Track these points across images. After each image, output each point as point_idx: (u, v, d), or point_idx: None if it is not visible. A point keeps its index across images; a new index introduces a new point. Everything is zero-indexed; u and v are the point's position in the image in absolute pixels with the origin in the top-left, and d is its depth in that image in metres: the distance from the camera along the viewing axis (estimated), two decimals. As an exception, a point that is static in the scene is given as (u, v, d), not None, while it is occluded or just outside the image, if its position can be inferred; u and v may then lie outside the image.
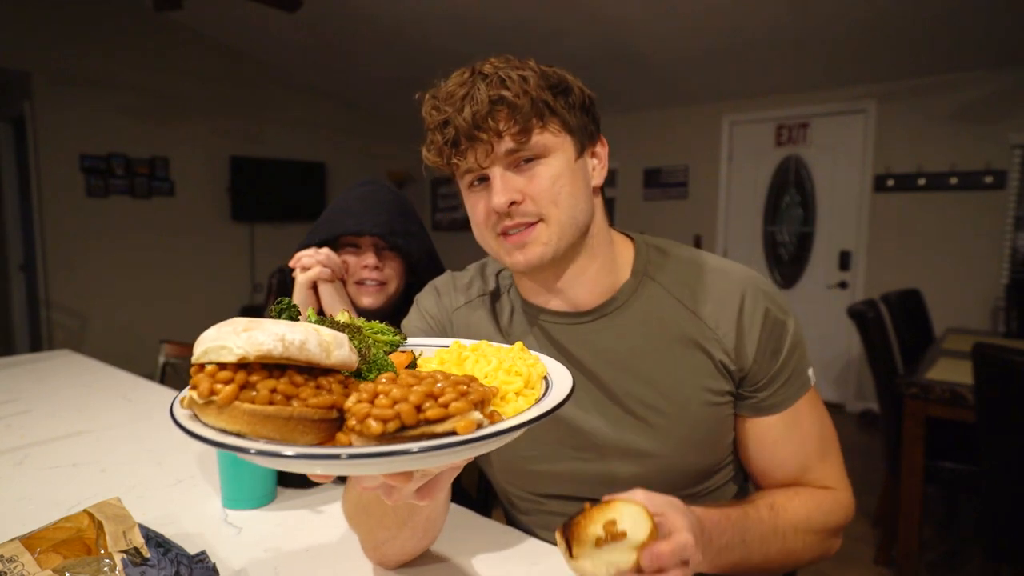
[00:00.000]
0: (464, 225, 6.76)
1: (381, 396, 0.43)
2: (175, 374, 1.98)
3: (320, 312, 1.21)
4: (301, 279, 1.18)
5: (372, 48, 4.93)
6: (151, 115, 4.93)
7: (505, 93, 0.73)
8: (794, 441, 0.82)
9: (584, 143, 0.81)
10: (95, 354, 2.06)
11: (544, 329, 0.86)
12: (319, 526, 0.85)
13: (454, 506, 0.88)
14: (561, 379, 0.54)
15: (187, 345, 1.99)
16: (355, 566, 0.76)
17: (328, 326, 0.61)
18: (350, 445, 0.43)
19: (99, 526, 0.65)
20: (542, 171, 0.76)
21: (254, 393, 0.43)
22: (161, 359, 1.98)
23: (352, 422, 0.43)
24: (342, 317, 0.65)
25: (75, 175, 4.61)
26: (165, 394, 1.52)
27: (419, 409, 0.42)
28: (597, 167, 0.84)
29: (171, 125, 5.06)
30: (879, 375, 2.40)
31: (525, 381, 0.53)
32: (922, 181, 4.18)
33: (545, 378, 0.55)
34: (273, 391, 0.43)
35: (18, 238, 5.02)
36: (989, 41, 3.62)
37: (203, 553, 0.67)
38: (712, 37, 4.03)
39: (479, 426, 0.43)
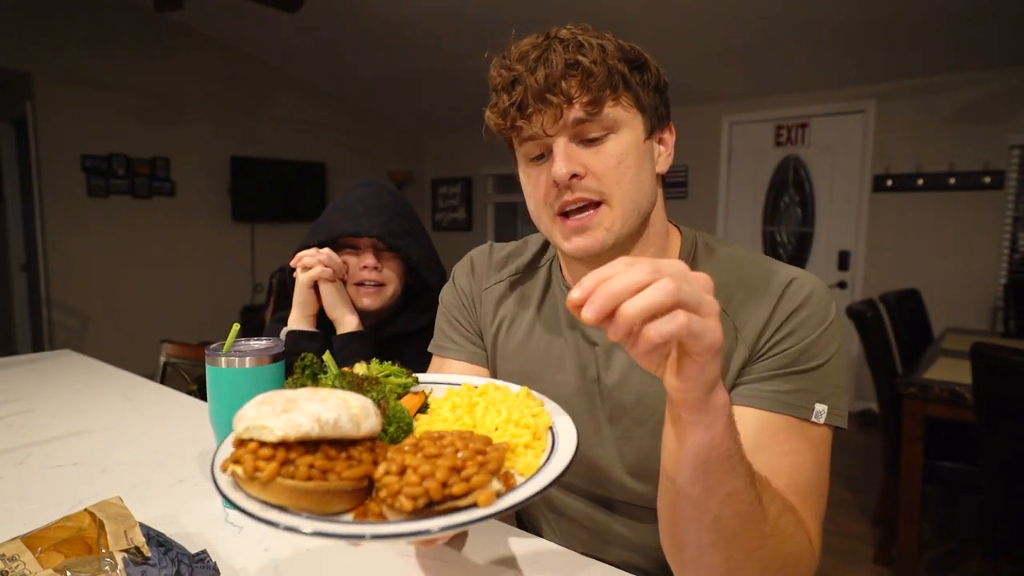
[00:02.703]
0: (463, 225, 6.77)
1: (410, 471, 0.47)
2: (175, 374, 1.98)
3: (321, 311, 1.22)
4: (302, 279, 1.18)
5: (372, 48, 4.93)
6: (151, 115, 4.93)
7: (581, 58, 0.69)
8: (766, 452, 0.68)
9: (654, 125, 0.76)
10: (96, 354, 2.06)
11: (569, 323, 0.84)
12: (319, 525, 0.86)
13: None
14: (566, 432, 0.57)
15: (187, 345, 1.99)
16: (355, 566, 0.76)
17: (348, 380, 0.65)
18: (381, 515, 0.48)
19: (100, 525, 0.65)
20: (609, 147, 0.71)
21: (294, 469, 0.47)
22: (161, 359, 1.99)
23: (383, 494, 0.47)
24: (360, 368, 0.68)
25: (76, 175, 4.62)
26: (165, 394, 1.52)
27: (444, 484, 0.46)
28: (663, 153, 0.79)
29: (171, 125, 5.06)
30: (878, 375, 2.41)
31: (533, 433, 0.56)
32: (921, 181, 4.18)
33: (551, 428, 0.59)
34: (311, 467, 0.48)
35: (19, 238, 5.03)
36: (988, 41, 3.62)
37: (204, 552, 0.67)
38: (712, 37, 4.03)
39: (497, 496, 0.47)
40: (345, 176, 6.15)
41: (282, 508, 0.47)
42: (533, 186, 0.76)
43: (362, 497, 0.50)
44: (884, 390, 2.36)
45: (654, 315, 0.44)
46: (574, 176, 0.71)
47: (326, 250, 1.19)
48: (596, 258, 0.74)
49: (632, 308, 0.43)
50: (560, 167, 0.70)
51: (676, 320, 0.43)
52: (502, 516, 0.88)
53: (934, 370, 2.29)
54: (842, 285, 4.57)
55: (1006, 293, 3.71)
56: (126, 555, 0.61)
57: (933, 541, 2.60)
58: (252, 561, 0.75)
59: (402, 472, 0.47)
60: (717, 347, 0.46)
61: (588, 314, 0.44)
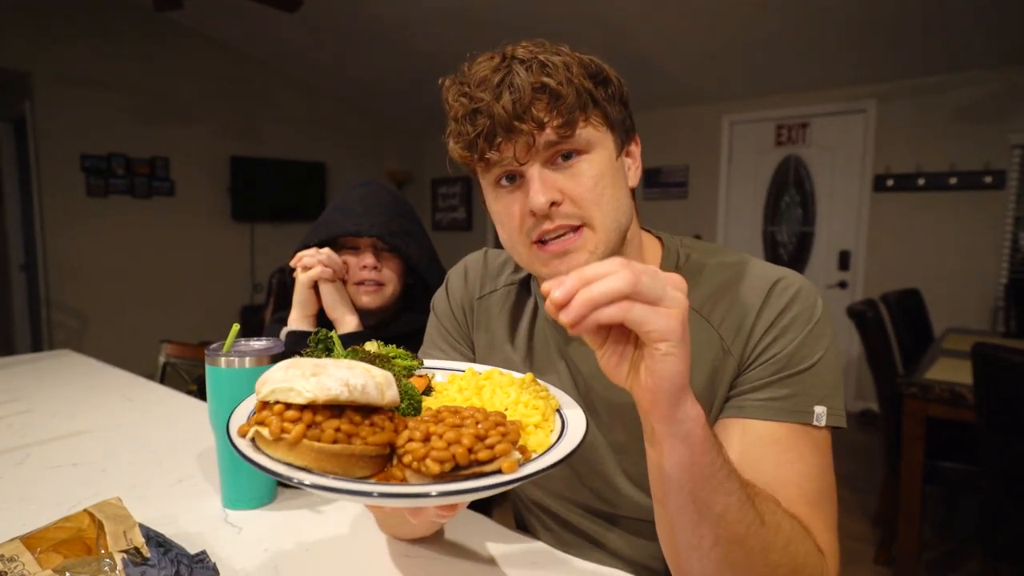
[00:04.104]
0: (463, 225, 6.77)
1: (435, 438, 0.48)
2: (175, 374, 1.98)
3: (320, 311, 1.22)
4: (302, 279, 1.18)
5: (372, 48, 4.94)
6: (151, 115, 4.93)
7: (548, 80, 0.65)
8: (771, 462, 0.66)
9: (623, 140, 0.74)
10: (95, 354, 2.06)
11: (559, 337, 0.82)
12: (319, 526, 0.85)
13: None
14: (574, 414, 0.59)
15: (187, 345, 1.99)
16: (355, 566, 0.76)
17: (361, 356, 0.65)
18: (404, 480, 0.49)
19: (99, 526, 0.65)
20: (584, 168, 0.68)
21: (320, 432, 0.48)
22: (161, 359, 1.98)
23: (408, 459, 0.48)
24: (371, 346, 0.68)
25: (75, 175, 4.62)
26: (165, 394, 1.52)
27: (470, 451, 0.47)
28: (632, 167, 0.77)
29: (171, 125, 5.06)
30: (879, 375, 2.40)
31: (542, 414, 0.58)
32: (922, 181, 4.18)
33: (558, 411, 0.60)
34: (337, 430, 0.48)
35: (19, 238, 5.03)
36: (989, 41, 3.62)
37: (203, 553, 0.67)
38: (712, 37, 4.03)
39: (518, 464, 0.49)
40: (345, 176, 6.15)
41: (307, 470, 0.47)
42: (506, 214, 0.71)
43: (383, 463, 0.51)
44: (885, 390, 2.36)
45: (606, 302, 0.46)
46: (552, 204, 0.67)
47: (326, 250, 1.19)
48: None
49: (589, 293, 0.46)
50: (538, 197, 0.66)
51: (619, 305, 0.46)
52: (502, 520, 0.88)
53: (935, 370, 2.29)
54: (842, 285, 4.57)
55: (1007, 293, 3.71)
56: (125, 556, 0.61)
57: (933, 541, 2.60)
58: (252, 561, 0.75)
59: (427, 438, 0.48)
60: (671, 334, 0.47)
61: (558, 294, 0.47)
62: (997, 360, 1.67)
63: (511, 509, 1.00)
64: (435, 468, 0.46)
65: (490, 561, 0.77)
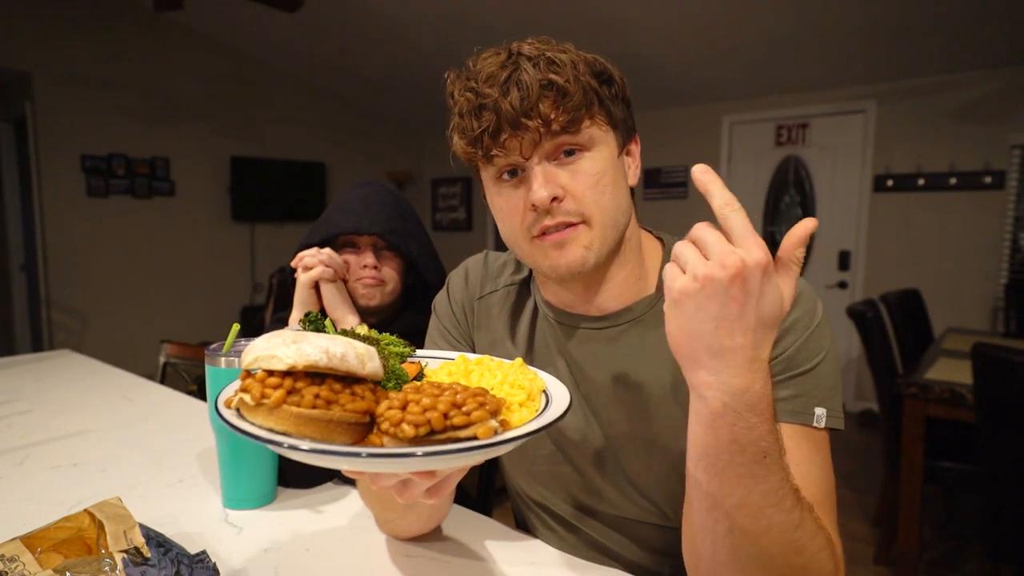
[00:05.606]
0: (463, 225, 6.77)
1: (412, 404, 0.49)
2: (175, 374, 1.98)
3: (322, 311, 1.22)
4: (303, 279, 1.18)
5: (372, 48, 4.94)
6: (151, 115, 4.93)
7: (555, 77, 0.65)
8: None
9: (624, 139, 0.75)
10: (95, 354, 2.06)
11: (557, 334, 0.83)
12: (319, 526, 0.85)
13: (454, 506, 0.88)
14: (559, 393, 0.60)
15: (187, 345, 1.99)
16: (355, 566, 0.76)
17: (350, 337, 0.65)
18: (383, 446, 0.49)
19: (100, 526, 0.65)
20: (586, 166, 0.69)
21: (300, 398, 0.49)
22: (161, 359, 1.98)
23: (385, 425, 0.48)
24: (361, 330, 0.69)
25: (76, 175, 4.62)
26: (165, 394, 1.52)
27: (446, 416, 0.47)
28: (632, 166, 0.78)
29: (171, 125, 5.06)
30: (879, 375, 2.41)
31: (527, 394, 0.58)
32: (921, 181, 4.18)
33: (544, 391, 0.61)
34: (316, 396, 0.49)
35: (19, 238, 5.03)
36: (989, 41, 3.62)
37: (203, 553, 0.67)
38: (712, 37, 4.03)
39: (495, 432, 0.49)
40: (345, 176, 6.15)
41: (286, 434, 0.48)
42: (507, 209, 0.72)
43: (364, 432, 0.51)
44: (885, 390, 2.36)
45: None
46: (553, 199, 0.68)
47: (327, 250, 1.19)
48: (577, 277, 0.73)
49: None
50: (540, 191, 0.67)
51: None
52: (502, 519, 0.88)
53: (935, 370, 2.29)
54: (842, 285, 4.57)
55: (1007, 293, 3.71)
56: (125, 556, 0.61)
57: (933, 541, 2.60)
58: (252, 561, 0.75)
59: (404, 406, 0.49)
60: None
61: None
62: (997, 360, 1.67)
63: (511, 509, 1.00)
64: (410, 431, 0.46)
65: (490, 561, 0.77)
